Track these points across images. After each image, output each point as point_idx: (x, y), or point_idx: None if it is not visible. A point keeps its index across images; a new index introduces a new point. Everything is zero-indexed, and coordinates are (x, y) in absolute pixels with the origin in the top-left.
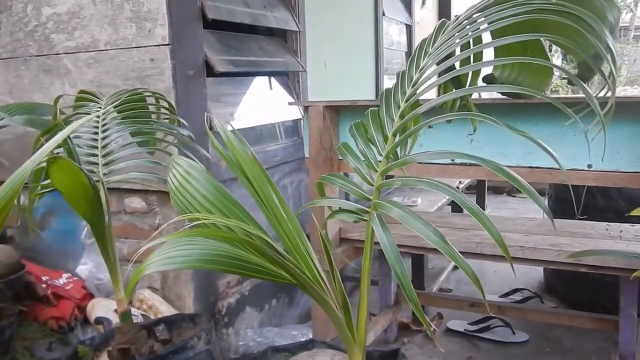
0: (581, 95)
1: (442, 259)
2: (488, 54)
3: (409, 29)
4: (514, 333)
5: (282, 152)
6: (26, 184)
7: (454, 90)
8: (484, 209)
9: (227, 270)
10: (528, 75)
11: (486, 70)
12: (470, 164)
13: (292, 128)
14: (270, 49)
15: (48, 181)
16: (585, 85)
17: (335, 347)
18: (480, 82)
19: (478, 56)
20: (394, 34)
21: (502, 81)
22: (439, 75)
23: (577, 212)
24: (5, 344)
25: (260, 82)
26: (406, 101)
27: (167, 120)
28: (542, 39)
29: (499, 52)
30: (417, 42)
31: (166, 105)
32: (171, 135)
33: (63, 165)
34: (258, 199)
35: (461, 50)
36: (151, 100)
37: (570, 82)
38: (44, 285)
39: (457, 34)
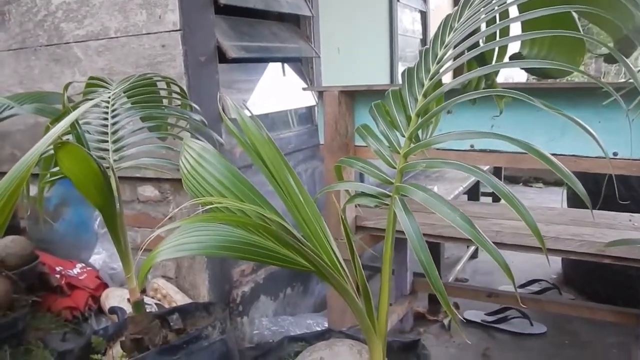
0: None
1: (458, 249)
2: (516, 32)
3: (424, 15)
4: (531, 324)
5: (295, 139)
6: (37, 173)
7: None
8: (500, 199)
9: (243, 257)
10: (559, 54)
11: (513, 50)
12: (491, 151)
13: (306, 115)
14: (283, 35)
15: (57, 169)
16: (628, 62)
17: (352, 337)
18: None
19: (505, 32)
20: (408, 20)
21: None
22: (466, 51)
23: (618, 199)
24: (18, 335)
25: (273, 68)
26: (430, 79)
27: (179, 106)
28: (573, 13)
29: (527, 29)
30: (432, 28)
31: (177, 90)
32: (183, 120)
33: (71, 150)
34: (275, 182)
35: (487, 26)
36: (162, 86)
37: (608, 60)
38: (57, 276)
39: (482, 8)
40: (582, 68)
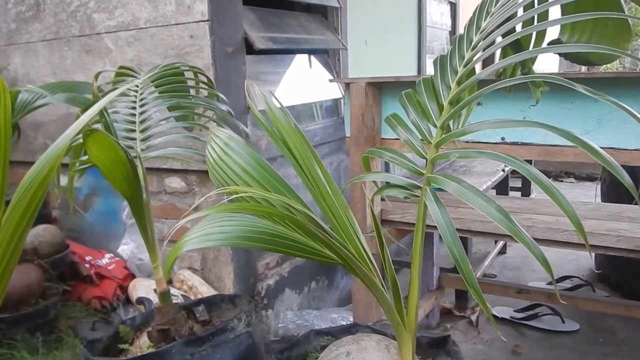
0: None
1: (485, 244)
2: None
3: (454, 7)
4: (563, 322)
5: (321, 132)
6: (67, 163)
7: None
8: (529, 194)
9: (268, 249)
10: (602, 38)
11: (552, 37)
12: (522, 143)
13: (332, 107)
14: (310, 26)
15: (86, 157)
16: None
17: (379, 332)
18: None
19: (543, 17)
20: (437, 12)
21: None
22: (501, 37)
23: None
24: (50, 323)
25: (299, 60)
26: (464, 66)
27: (206, 96)
28: None
29: (567, 12)
30: (461, 21)
31: (204, 79)
32: (210, 110)
33: (99, 138)
34: (302, 173)
35: (524, 11)
36: (189, 75)
37: None
38: (87, 265)
39: None
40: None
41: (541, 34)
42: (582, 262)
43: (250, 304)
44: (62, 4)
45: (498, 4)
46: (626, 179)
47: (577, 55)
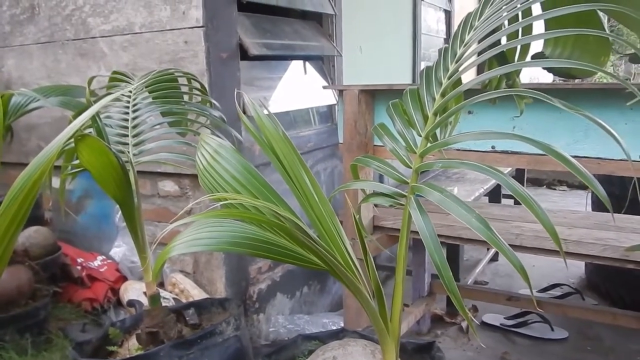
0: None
1: (478, 251)
2: (538, 31)
3: (448, 15)
4: (552, 329)
5: (315, 137)
6: (60, 165)
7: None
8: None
9: (256, 254)
10: (583, 53)
11: (535, 50)
12: (512, 152)
13: (326, 113)
14: (305, 33)
15: (78, 161)
16: None
17: (367, 337)
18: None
19: (527, 31)
20: (433, 19)
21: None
22: (485, 50)
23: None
24: (40, 324)
25: (294, 66)
26: (449, 78)
27: (199, 102)
28: (600, 12)
29: (550, 27)
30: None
31: (198, 86)
32: (203, 116)
33: (91, 143)
34: (289, 180)
35: (509, 25)
36: (183, 81)
37: (633, 60)
38: (78, 267)
39: (504, 6)
40: (610, 69)
41: (525, 48)
42: (573, 270)
43: (240, 308)
44: (57, 7)
45: (481, 19)
46: (600, 190)
47: (559, 69)
